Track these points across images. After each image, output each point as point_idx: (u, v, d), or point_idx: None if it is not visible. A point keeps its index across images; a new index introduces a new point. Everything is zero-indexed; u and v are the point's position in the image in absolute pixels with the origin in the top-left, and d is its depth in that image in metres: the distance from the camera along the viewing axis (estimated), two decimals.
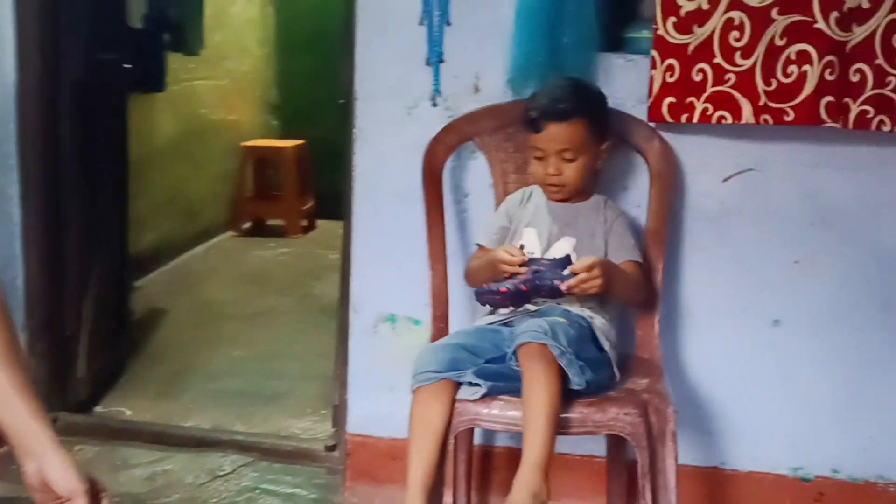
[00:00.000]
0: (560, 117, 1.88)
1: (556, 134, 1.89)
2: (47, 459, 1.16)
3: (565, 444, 2.27)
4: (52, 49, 2.57)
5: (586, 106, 1.92)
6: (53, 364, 2.68)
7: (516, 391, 1.76)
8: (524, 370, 1.70)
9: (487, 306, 1.90)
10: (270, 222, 5.53)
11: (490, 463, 2.34)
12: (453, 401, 1.77)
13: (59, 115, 2.61)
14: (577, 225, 1.95)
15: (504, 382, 1.77)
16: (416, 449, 1.78)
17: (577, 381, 1.72)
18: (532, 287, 1.78)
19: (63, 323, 2.70)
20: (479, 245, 2.06)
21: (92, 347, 2.81)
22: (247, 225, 5.45)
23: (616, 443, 2.09)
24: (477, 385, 1.76)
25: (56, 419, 2.67)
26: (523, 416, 1.69)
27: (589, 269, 1.76)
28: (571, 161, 1.91)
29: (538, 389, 1.67)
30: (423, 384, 1.79)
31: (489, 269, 1.90)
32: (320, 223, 5.55)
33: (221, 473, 2.43)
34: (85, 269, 2.77)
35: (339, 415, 2.45)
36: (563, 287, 1.76)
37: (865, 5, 1.91)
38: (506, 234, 2.00)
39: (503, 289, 1.80)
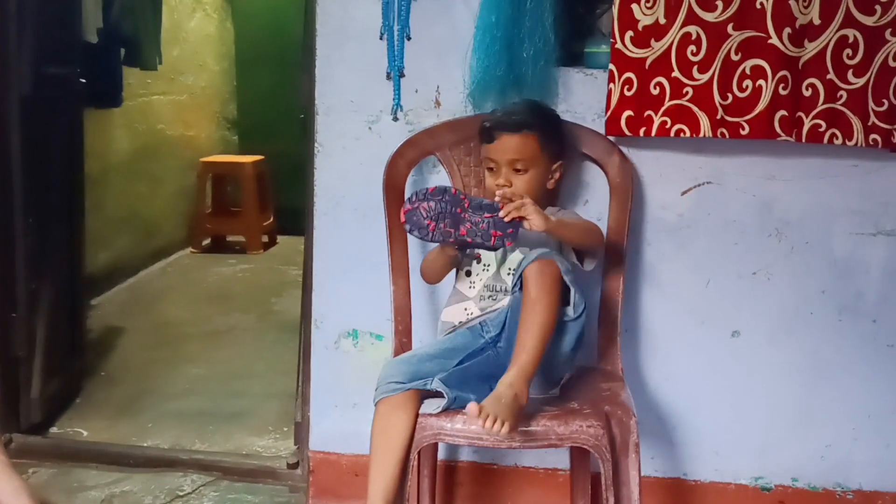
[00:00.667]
0: (511, 128, 1.93)
1: (507, 144, 1.93)
2: None
3: (529, 458, 2.28)
4: (2, 64, 2.52)
5: (538, 120, 1.97)
6: (6, 385, 2.62)
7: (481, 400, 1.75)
8: (530, 284, 1.71)
9: (415, 232, 1.80)
10: (230, 238, 5.47)
11: (454, 478, 2.33)
12: (417, 414, 1.76)
13: (9, 130, 2.56)
14: (529, 235, 1.96)
15: (470, 391, 1.75)
16: (377, 463, 1.76)
17: (577, 301, 1.75)
18: (458, 192, 1.75)
19: (14, 343, 2.63)
20: None
21: (46, 367, 2.74)
22: (206, 241, 5.38)
23: (580, 455, 2.10)
24: (440, 395, 1.75)
25: (10, 441, 2.60)
26: (520, 326, 1.70)
27: (512, 192, 1.77)
28: (522, 173, 1.94)
29: (539, 303, 1.69)
30: (387, 395, 1.77)
31: (440, 252, 1.91)
32: (281, 239, 5.51)
33: (181, 494, 2.39)
34: (36, 288, 2.71)
35: (301, 432, 2.42)
36: (497, 196, 1.75)
37: (816, 21, 1.96)
38: None
39: (431, 188, 1.76)
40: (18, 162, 2.58)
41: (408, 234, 1.78)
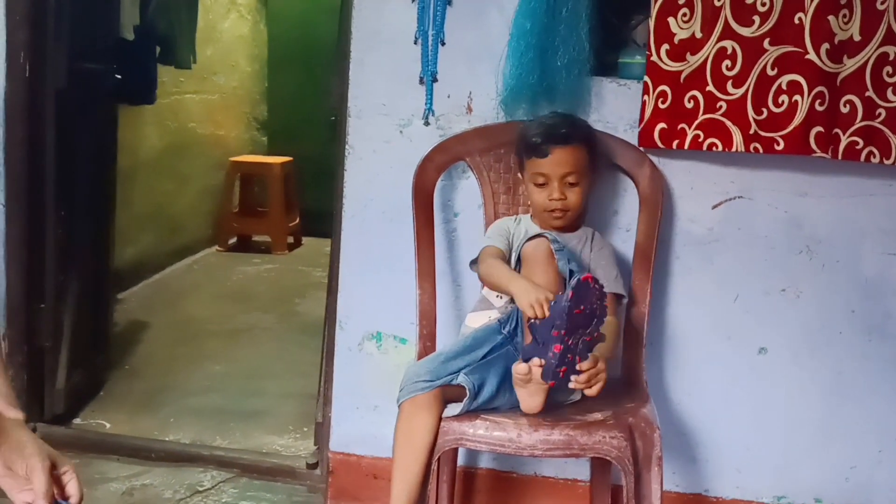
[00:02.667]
0: (565, 141, 1.93)
1: (561, 158, 1.92)
2: (4, 439, 1.15)
3: (549, 468, 2.27)
4: (40, 58, 2.55)
5: (585, 133, 1.99)
6: (32, 375, 2.64)
7: (503, 394, 1.78)
8: (527, 260, 1.85)
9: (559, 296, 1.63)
10: (255, 238, 5.51)
11: (473, 485, 2.33)
12: (441, 416, 1.76)
13: (44, 123, 2.59)
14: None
15: (493, 386, 1.76)
16: (400, 465, 1.76)
17: (562, 268, 1.83)
18: (600, 326, 1.62)
19: (41, 333, 2.66)
20: (488, 247, 1.98)
21: (71, 359, 2.77)
22: (232, 240, 5.42)
23: (601, 466, 2.09)
24: (461, 399, 1.75)
25: (33, 430, 2.62)
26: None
27: (590, 367, 1.63)
28: (574, 186, 1.94)
29: (538, 266, 1.80)
30: (413, 394, 1.76)
31: (504, 289, 1.85)
32: (306, 240, 5.54)
33: (201, 489, 2.40)
34: (65, 281, 2.74)
35: (321, 432, 2.43)
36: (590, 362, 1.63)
37: (857, 38, 1.94)
38: (509, 239, 2.00)
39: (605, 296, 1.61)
40: (52, 154, 2.62)
41: (568, 291, 1.59)
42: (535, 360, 1.62)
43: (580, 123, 2.02)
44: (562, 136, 1.93)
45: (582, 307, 1.57)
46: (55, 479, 1.18)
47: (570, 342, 1.60)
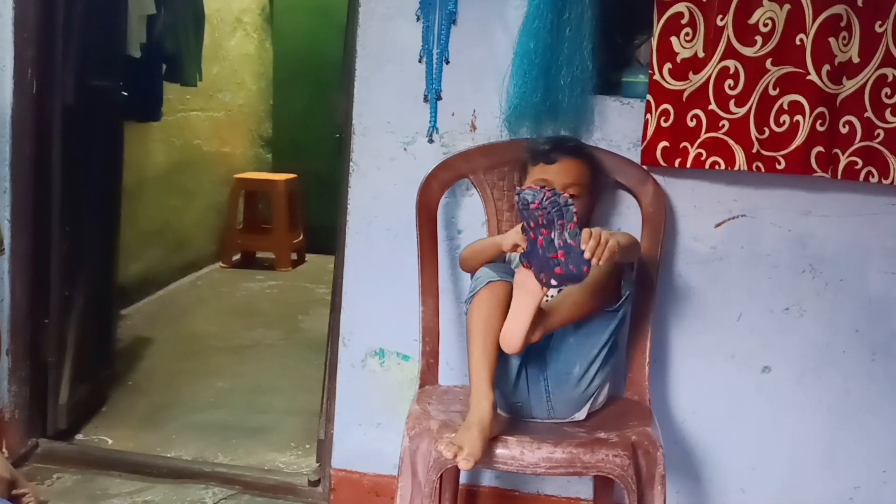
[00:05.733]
0: (573, 152, 1.98)
1: (568, 167, 1.96)
2: None
3: (552, 486, 2.26)
4: (47, 74, 2.57)
5: (590, 152, 2.04)
6: (35, 390, 2.64)
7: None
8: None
9: (521, 201, 1.73)
10: (260, 255, 5.52)
11: (475, 503, 2.32)
12: (508, 305, 1.77)
13: (51, 138, 2.61)
14: None
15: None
16: (479, 345, 1.77)
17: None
18: (575, 215, 1.72)
19: (45, 348, 2.67)
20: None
21: (75, 374, 2.77)
22: (236, 257, 5.43)
23: (603, 485, 2.08)
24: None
25: (36, 446, 2.63)
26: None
27: (589, 237, 1.67)
28: (575, 199, 1.93)
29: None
30: (490, 280, 1.80)
31: (491, 247, 1.95)
32: (309, 257, 5.55)
33: None
34: (70, 296, 2.75)
35: (323, 449, 2.42)
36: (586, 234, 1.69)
37: (856, 59, 1.95)
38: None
39: (566, 193, 1.73)
40: (58, 170, 2.63)
41: (516, 197, 1.74)
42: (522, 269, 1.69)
43: (584, 144, 2.08)
44: (571, 147, 2.00)
45: (537, 202, 1.68)
46: (13, 498, 1.17)
47: (550, 233, 1.70)
